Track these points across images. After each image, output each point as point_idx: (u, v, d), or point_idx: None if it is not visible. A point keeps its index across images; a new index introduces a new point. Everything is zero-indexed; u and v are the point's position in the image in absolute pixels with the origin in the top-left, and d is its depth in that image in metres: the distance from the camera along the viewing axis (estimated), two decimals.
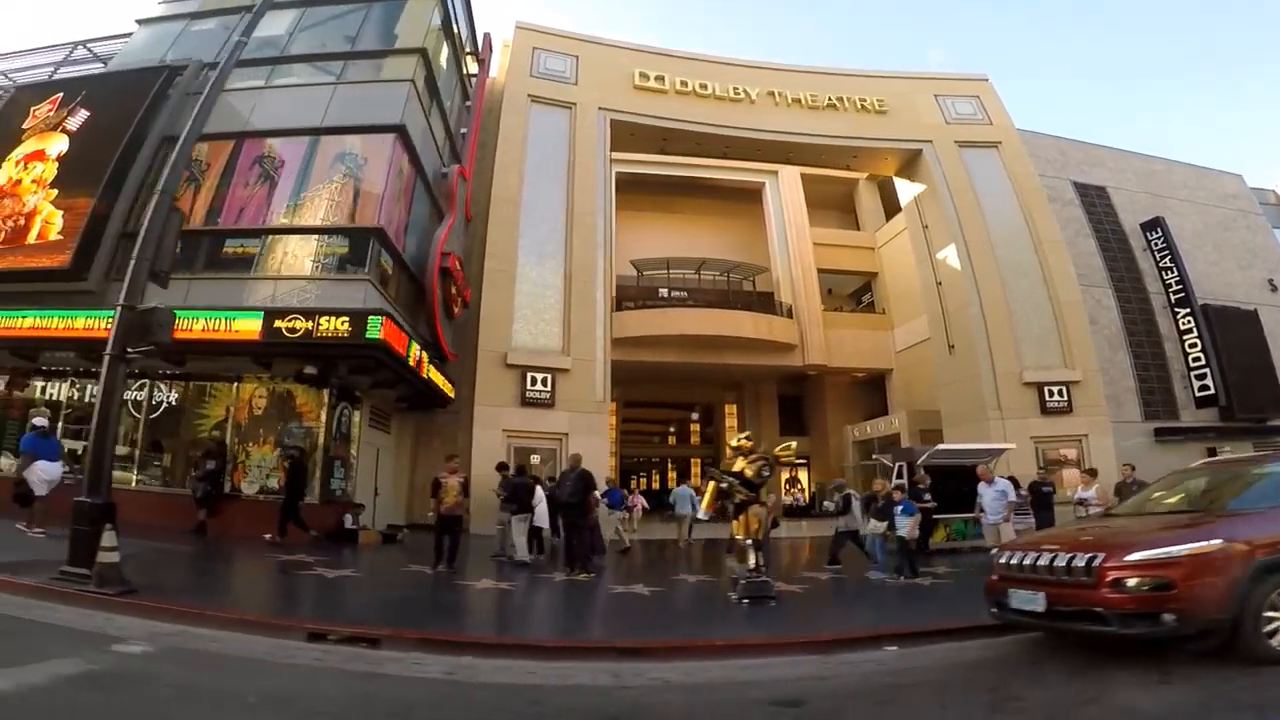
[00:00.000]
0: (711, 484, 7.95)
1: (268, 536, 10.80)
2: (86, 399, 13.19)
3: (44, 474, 9.32)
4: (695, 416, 33.86)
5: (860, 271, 27.21)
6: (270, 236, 12.74)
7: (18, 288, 12.88)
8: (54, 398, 13.54)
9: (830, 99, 20.72)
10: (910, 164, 20.87)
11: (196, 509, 11.49)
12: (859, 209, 28.07)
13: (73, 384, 13.63)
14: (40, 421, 10.14)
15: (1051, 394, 17.82)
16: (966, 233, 19.07)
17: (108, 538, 6.13)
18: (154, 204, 7.36)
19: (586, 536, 9.36)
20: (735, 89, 20.66)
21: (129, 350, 6.61)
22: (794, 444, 9.29)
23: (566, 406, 16.16)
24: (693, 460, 32.70)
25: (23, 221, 13.57)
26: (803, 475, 27.37)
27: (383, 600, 7.41)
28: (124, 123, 14.09)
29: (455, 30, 17.72)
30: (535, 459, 15.83)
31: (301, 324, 11.12)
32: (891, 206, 26.51)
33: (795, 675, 4.75)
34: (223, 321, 11.39)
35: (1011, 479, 11.28)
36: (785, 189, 26.79)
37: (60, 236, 13.06)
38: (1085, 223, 20.94)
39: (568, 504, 9.45)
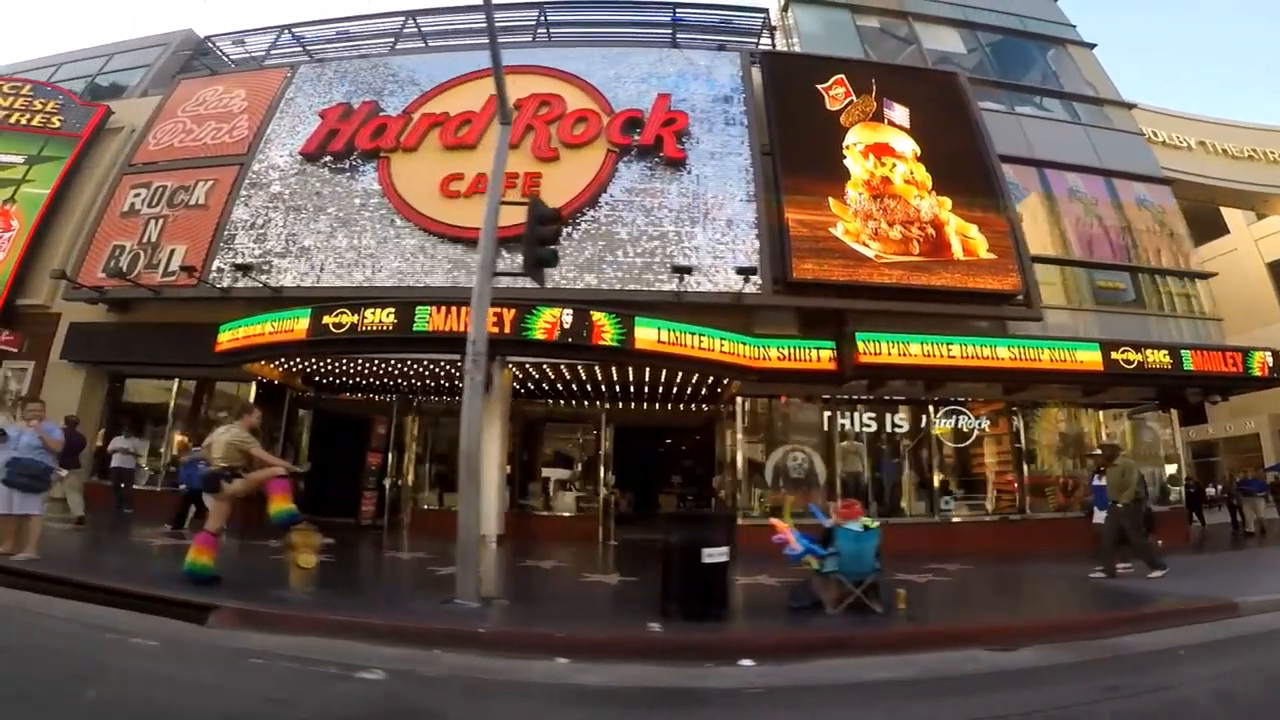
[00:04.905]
0: None
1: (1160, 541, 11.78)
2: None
3: None
4: None
5: None
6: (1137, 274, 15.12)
7: (931, 308, 12.78)
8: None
9: (1248, 150, 24.79)
10: None
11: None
12: None
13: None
14: None
15: None
16: None
17: None
18: None
19: None
20: (1179, 138, 24.31)
21: None
22: None
23: None
24: None
25: (931, 231, 13.26)
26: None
27: None
28: (959, 131, 14.27)
29: None
30: None
31: (1134, 356, 12.83)
32: (1200, 231, 30.96)
33: None
34: (1066, 353, 12.72)
35: None
36: None
37: (992, 255, 13.05)
38: None
39: None
